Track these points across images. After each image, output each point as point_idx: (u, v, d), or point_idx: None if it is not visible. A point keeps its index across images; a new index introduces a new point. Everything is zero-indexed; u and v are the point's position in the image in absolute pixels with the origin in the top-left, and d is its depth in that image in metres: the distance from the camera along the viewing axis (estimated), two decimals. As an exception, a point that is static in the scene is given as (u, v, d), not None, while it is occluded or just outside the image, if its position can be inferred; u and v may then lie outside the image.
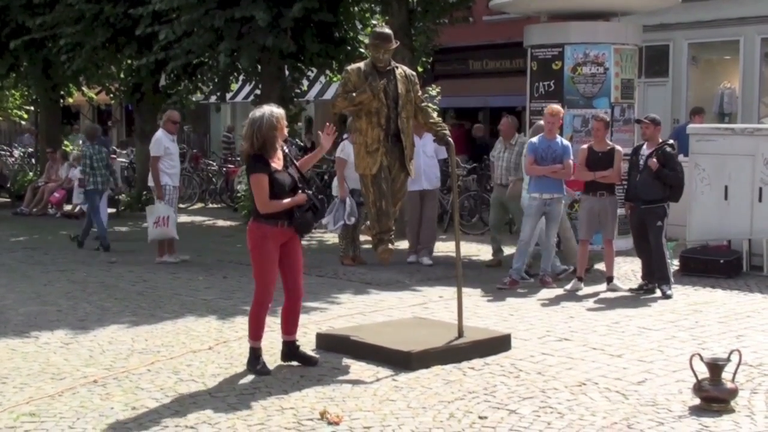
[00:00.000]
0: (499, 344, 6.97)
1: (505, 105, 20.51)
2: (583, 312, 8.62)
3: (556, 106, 10.16)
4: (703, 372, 5.63)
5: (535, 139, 10.07)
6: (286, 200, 6.26)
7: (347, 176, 10.88)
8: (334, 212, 10.88)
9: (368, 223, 7.58)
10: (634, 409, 5.56)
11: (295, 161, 6.61)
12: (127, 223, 16.32)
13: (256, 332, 6.41)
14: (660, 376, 6.28)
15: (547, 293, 9.55)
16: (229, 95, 20.97)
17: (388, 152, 7.21)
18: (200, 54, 15.25)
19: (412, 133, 7.42)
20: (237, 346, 7.09)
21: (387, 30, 7.56)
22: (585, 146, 9.91)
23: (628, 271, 10.78)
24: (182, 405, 5.66)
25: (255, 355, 6.41)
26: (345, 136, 11.38)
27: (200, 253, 12.20)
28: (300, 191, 6.36)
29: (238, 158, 20.33)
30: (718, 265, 10.42)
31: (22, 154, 27.66)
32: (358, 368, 6.47)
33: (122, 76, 19.68)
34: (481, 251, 12.54)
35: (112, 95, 21.39)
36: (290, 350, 6.55)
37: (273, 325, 6.91)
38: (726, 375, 5.63)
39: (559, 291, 9.61)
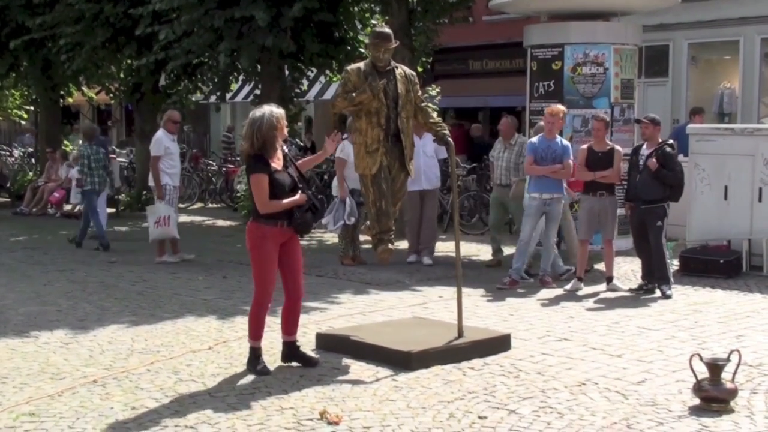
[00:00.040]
0: (498, 344, 6.97)
1: (505, 105, 20.50)
2: (583, 312, 8.62)
3: (558, 106, 10.17)
4: (703, 372, 5.63)
5: (534, 139, 10.07)
6: (286, 200, 6.26)
7: (347, 176, 10.88)
8: (334, 212, 10.88)
9: (368, 223, 7.58)
10: (633, 409, 5.56)
11: (294, 161, 6.61)
12: (126, 223, 16.32)
13: (256, 332, 6.41)
14: (660, 376, 6.28)
15: (546, 293, 9.55)
16: (228, 95, 20.98)
17: (387, 152, 7.20)
18: (200, 54, 15.25)
19: (412, 133, 7.42)
20: (237, 346, 7.09)
21: (387, 29, 7.56)
22: (585, 146, 9.91)
23: (628, 271, 10.78)
24: (182, 405, 5.66)
25: (255, 355, 6.41)
26: (345, 136, 11.37)
27: (200, 253, 12.19)
28: (300, 191, 6.36)
29: (238, 158, 20.33)
30: (717, 265, 10.42)
31: (21, 153, 27.67)
32: (357, 368, 6.47)
33: (122, 75, 19.68)
34: (481, 251, 12.54)
35: (111, 95, 21.40)
36: (290, 351, 6.54)
37: (273, 325, 6.91)
38: (726, 375, 5.63)
39: (559, 291, 9.61)
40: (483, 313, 8.50)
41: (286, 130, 6.36)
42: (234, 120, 29.15)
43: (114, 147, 25.15)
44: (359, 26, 16.27)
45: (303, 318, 6.93)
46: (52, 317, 8.30)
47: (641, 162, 9.55)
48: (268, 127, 6.16)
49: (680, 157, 10.22)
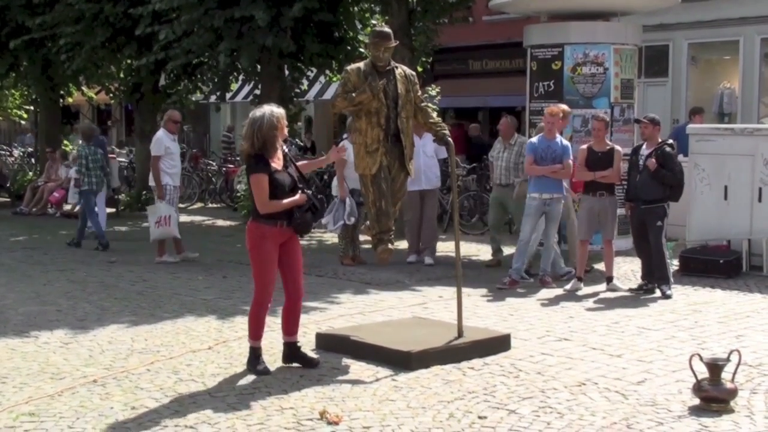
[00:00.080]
0: (498, 344, 6.97)
1: (505, 105, 20.52)
2: (583, 312, 8.62)
3: (561, 106, 10.20)
4: (703, 372, 5.63)
5: (534, 139, 10.08)
6: (286, 200, 6.26)
7: (347, 176, 10.87)
8: (333, 212, 10.88)
9: (368, 223, 7.58)
10: (633, 409, 5.56)
11: (294, 161, 6.61)
12: (126, 223, 16.32)
13: (255, 332, 6.41)
14: (659, 376, 6.28)
15: (546, 293, 9.55)
16: (228, 95, 20.98)
17: (387, 152, 7.20)
18: (200, 54, 15.25)
19: (411, 133, 7.41)
20: (237, 346, 7.09)
21: (386, 28, 7.56)
22: (584, 146, 9.91)
23: (628, 271, 10.78)
24: (182, 405, 5.66)
25: (255, 354, 6.41)
26: (344, 136, 11.38)
27: (200, 253, 12.17)
28: (300, 191, 6.36)
29: (238, 158, 20.33)
30: (717, 265, 10.42)
31: (21, 153, 27.66)
32: (357, 368, 6.47)
33: (122, 75, 19.69)
34: (481, 251, 12.54)
35: (111, 95, 21.41)
36: (291, 351, 6.53)
37: (273, 325, 6.92)
38: (725, 375, 5.63)
39: (559, 291, 9.61)
40: (483, 313, 8.50)
41: (286, 130, 6.36)
42: (234, 120, 29.15)
43: (113, 147, 25.14)
44: (359, 26, 16.26)
45: (303, 318, 6.93)
46: (51, 317, 8.30)
47: (641, 162, 9.55)
48: (269, 127, 6.16)
49: (680, 157, 10.22)
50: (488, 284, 9.96)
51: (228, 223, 16.61)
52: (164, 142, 11.45)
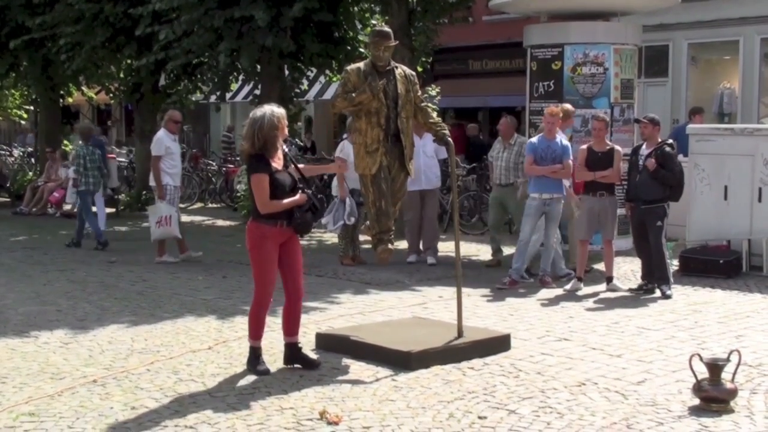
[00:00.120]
0: (498, 344, 6.97)
1: (505, 105, 20.52)
2: (583, 312, 8.62)
3: (566, 106, 10.21)
4: (703, 372, 5.63)
5: (534, 139, 10.08)
6: (286, 200, 6.25)
7: (347, 176, 10.86)
8: (333, 212, 10.88)
9: (368, 223, 7.58)
10: (633, 409, 5.56)
11: (294, 161, 6.61)
12: (126, 223, 16.32)
13: (256, 332, 6.41)
14: (659, 376, 6.28)
15: (546, 293, 9.55)
16: (228, 95, 20.98)
17: (387, 152, 7.20)
18: (200, 54, 15.25)
19: (411, 133, 7.41)
20: (236, 346, 7.09)
21: (386, 28, 7.57)
22: (584, 146, 9.91)
23: (628, 271, 10.78)
24: (182, 405, 5.66)
25: (255, 354, 6.41)
26: (344, 136, 11.38)
27: (201, 253, 12.18)
28: (300, 191, 6.36)
29: (238, 158, 20.33)
30: (717, 265, 10.42)
31: (21, 153, 27.66)
32: (357, 368, 6.47)
33: (122, 75, 19.69)
34: (481, 251, 12.54)
35: (111, 95, 21.41)
36: (292, 353, 6.50)
37: (273, 325, 6.92)
38: (725, 375, 5.63)
39: (559, 291, 9.61)
40: (483, 313, 8.50)
41: (286, 130, 6.36)
42: (234, 120, 29.15)
43: (112, 147, 25.14)
44: (359, 26, 16.27)
45: (303, 318, 6.93)
46: (51, 317, 8.30)
47: (641, 162, 9.55)
48: (269, 126, 6.15)
49: (680, 157, 10.22)
50: (488, 284, 9.96)
51: (228, 223, 16.61)
52: (165, 142, 11.45)
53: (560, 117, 9.99)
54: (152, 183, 11.63)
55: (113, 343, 7.32)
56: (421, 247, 11.87)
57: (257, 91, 17.34)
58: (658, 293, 9.39)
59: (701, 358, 5.66)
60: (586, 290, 9.62)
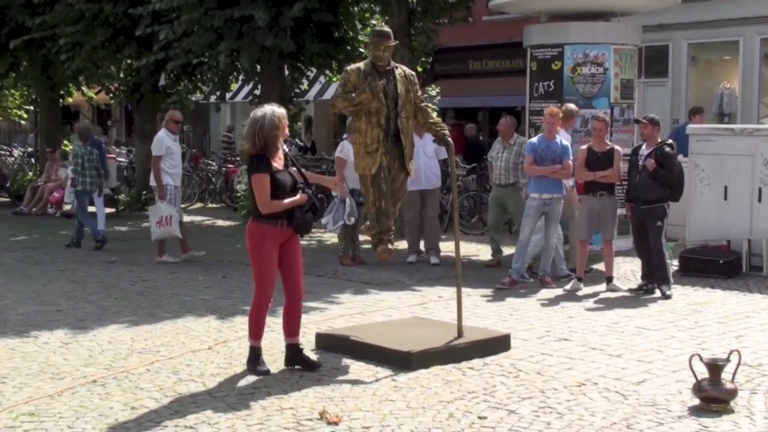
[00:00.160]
0: (498, 344, 6.97)
1: (505, 105, 20.53)
2: (583, 312, 8.62)
3: (570, 106, 10.20)
4: (703, 372, 5.63)
5: (534, 140, 10.09)
6: (287, 200, 6.25)
7: (347, 176, 10.86)
8: (333, 212, 10.85)
9: (368, 223, 7.58)
10: (633, 410, 5.56)
11: (295, 161, 6.61)
12: (126, 223, 16.32)
13: (256, 332, 6.40)
14: (659, 377, 6.29)
15: (546, 293, 9.55)
16: (228, 95, 20.98)
17: (387, 152, 7.20)
18: (200, 54, 15.25)
19: (411, 133, 7.42)
20: (236, 346, 7.09)
21: (386, 28, 7.57)
22: (584, 147, 9.91)
23: (628, 271, 10.78)
24: (182, 405, 5.66)
25: (255, 354, 6.41)
26: (344, 136, 11.37)
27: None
28: (300, 191, 6.36)
29: (238, 158, 20.33)
30: (717, 266, 10.42)
31: (21, 153, 27.66)
32: (357, 368, 6.47)
33: (122, 75, 19.69)
34: (481, 251, 12.54)
35: (111, 95, 21.41)
36: (293, 354, 6.48)
37: (273, 325, 6.92)
38: (725, 375, 5.63)
39: (559, 291, 9.61)
40: (483, 313, 8.50)
41: (287, 130, 6.36)
42: (234, 120, 29.16)
43: (112, 147, 25.14)
44: (359, 26, 16.27)
45: (303, 318, 6.92)
46: (51, 317, 8.30)
47: (640, 162, 9.55)
48: (270, 126, 6.15)
49: (680, 157, 10.22)
50: (488, 284, 9.96)
51: (228, 223, 16.61)
52: (165, 142, 11.45)
53: (563, 117, 9.99)
54: (153, 183, 11.63)
55: (113, 343, 7.32)
56: (422, 247, 11.88)
57: (257, 91, 17.34)
58: (658, 293, 9.39)
59: (701, 358, 5.66)
60: (586, 290, 9.62)
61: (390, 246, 7.38)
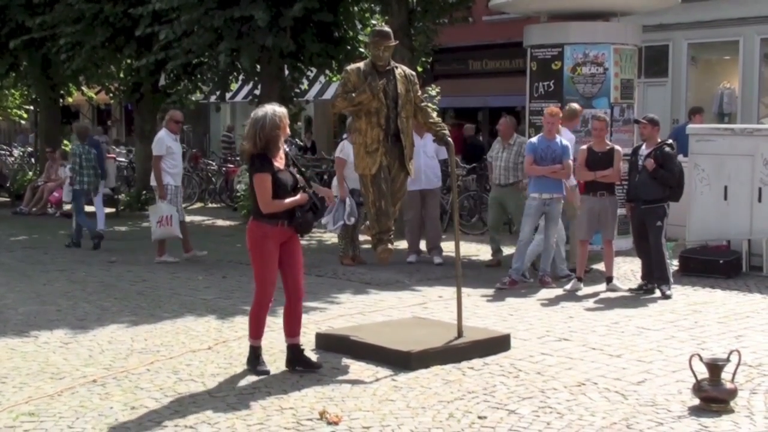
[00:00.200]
0: (498, 344, 6.97)
1: (505, 105, 20.52)
2: (583, 312, 8.62)
3: (574, 105, 10.20)
4: (703, 372, 5.63)
5: (534, 139, 10.09)
6: (288, 200, 6.25)
7: (347, 176, 10.88)
8: (333, 212, 10.87)
9: (368, 223, 7.58)
10: (633, 410, 5.56)
11: (295, 160, 6.60)
12: (126, 223, 16.32)
13: (256, 331, 6.40)
14: (659, 377, 6.28)
15: (546, 293, 9.55)
16: (228, 95, 20.98)
17: (387, 152, 7.20)
18: (200, 54, 15.25)
19: (411, 132, 7.42)
20: (236, 346, 7.09)
21: (386, 28, 7.57)
22: (584, 147, 9.91)
23: (628, 271, 10.78)
24: (182, 405, 5.66)
25: (255, 354, 6.41)
26: (344, 136, 11.37)
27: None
28: (301, 191, 6.36)
29: (238, 158, 20.33)
30: (717, 266, 10.42)
31: (21, 153, 27.67)
32: (357, 368, 6.47)
33: (122, 75, 19.69)
34: (481, 251, 12.54)
35: (111, 95, 21.41)
36: (294, 355, 6.46)
37: (273, 325, 6.92)
38: (725, 375, 5.63)
39: (559, 291, 9.61)
40: (483, 313, 8.50)
41: (288, 129, 6.36)
42: (234, 120, 29.16)
43: (111, 147, 25.14)
44: (359, 26, 16.27)
45: (303, 318, 6.92)
46: (51, 317, 8.30)
47: (640, 162, 9.55)
48: (271, 126, 6.15)
49: (680, 157, 10.22)
50: (488, 284, 9.96)
51: (228, 223, 16.61)
52: (166, 142, 11.45)
53: (566, 116, 9.99)
54: (153, 183, 11.63)
55: (113, 343, 7.32)
56: (423, 247, 11.88)
57: (257, 91, 17.35)
58: (658, 293, 9.39)
59: (701, 358, 5.66)
60: (586, 290, 9.62)
61: (390, 246, 7.38)
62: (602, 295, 9.48)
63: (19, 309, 8.65)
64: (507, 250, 11.43)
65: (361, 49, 15.40)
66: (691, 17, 17.94)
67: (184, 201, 18.45)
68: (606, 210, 9.71)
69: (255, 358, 6.39)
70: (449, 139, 7.32)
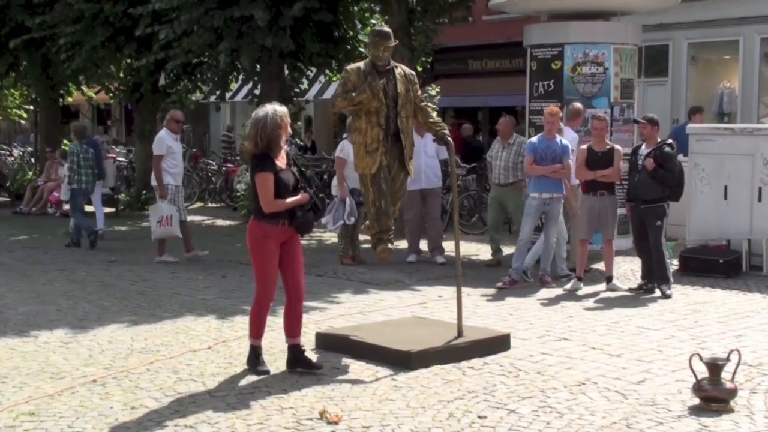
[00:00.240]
0: (498, 344, 6.97)
1: (505, 105, 20.51)
2: (583, 312, 8.62)
3: (576, 105, 10.21)
4: (703, 372, 5.63)
5: (534, 139, 10.09)
6: (290, 199, 6.25)
7: (347, 176, 10.88)
8: (333, 212, 10.89)
9: (368, 222, 7.58)
10: (633, 409, 5.56)
11: (296, 160, 6.61)
12: (126, 223, 16.32)
13: (256, 331, 6.40)
14: (659, 376, 6.29)
15: (546, 293, 9.55)
16: (228, 95, 20.98)
17: (387, 152, 7.20)
18: (200, 54, 15.25)
19: (411, 132, 7.42)
20: (236, 346, 7.09)
21: (386, 28, 7.57)
22: (584, 146, 9.91)
23: (628, 270, 10.78)
24: (182, 404, 5.66)
25: (255, 354, 6.41)
26: (344, 135, 11.37)
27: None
28: (302, 190, 6.36)
29: (238, 158, 20.33)
30: (717, 265, 10.42)
31: (21, 153, 27.67)
32: (357, 368, 6.47)
33: (122, 75, 19.69)
34: (481, 251, 12.54)
35: (111, 94, 21.40)
36: (295, 356, 6.44)
37: (273, 325, 6.92)
38: (725, 375, 5.63)
39: (559, 291, 9.61)
40: (483, 313, 8.50)
41: (290, 128, 6.36)
42: (234, 119, 29.15)
43: (111, 146, 25.14)
44: (359, 26, 16.27)
45: (303, 318, 6.93)
46: (51, 317, 8.30)
47: (640, 162, 9.55)
48: (273, 126, 6.15)
49: (680, 157, 10.22)
50: (488, 284, 9.96)
51: (228, 222, 16.61)
52: (166, 142, 11.45)
53: (569, 115, 9.99)
54: (154, 182, 11.63)
55: (113, 342, 7.32)
56: (425, 247, 11.88)
57: (257, 91, 17.34)
58: (657, 293, 9.39)
59: (701, 358, 5.66)
60: (586, 290, 9.62)
61: (390, 245, 7.39)
62: (602, 295, 9.48)
63: (19, 309, 8.65)
64: (507, 250, 11.43)
65: (361, 49, 15.39)
66: (691, 17, 17.94)
67: (184, 201, 18.54)
68: (606, 209, 9.72)
69: (255, 358, 6.39)
70: (449, 138, 7.32)
